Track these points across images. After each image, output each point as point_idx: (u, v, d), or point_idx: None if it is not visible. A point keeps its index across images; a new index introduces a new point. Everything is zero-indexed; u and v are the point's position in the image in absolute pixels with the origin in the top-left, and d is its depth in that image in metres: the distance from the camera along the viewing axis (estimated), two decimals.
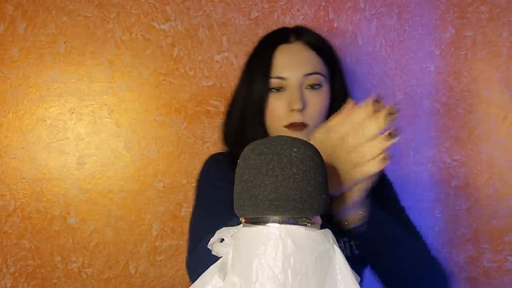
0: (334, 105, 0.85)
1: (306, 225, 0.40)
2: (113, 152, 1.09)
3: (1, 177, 1.05)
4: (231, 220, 0.65)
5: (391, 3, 1.16)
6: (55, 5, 1.07)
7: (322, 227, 0.43)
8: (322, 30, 1.14)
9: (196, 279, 0.67)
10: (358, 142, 0.54)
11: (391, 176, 1.19)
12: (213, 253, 0.47)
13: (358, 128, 0.54)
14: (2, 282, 1.05)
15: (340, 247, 0.78)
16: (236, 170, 0.43)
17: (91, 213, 1.07)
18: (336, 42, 1.15)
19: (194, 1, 1.10)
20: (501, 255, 1.18)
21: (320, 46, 0.86)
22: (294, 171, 0.40)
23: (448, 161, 1.17)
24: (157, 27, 1.09)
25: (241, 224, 0.43)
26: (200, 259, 0.68)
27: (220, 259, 0.44)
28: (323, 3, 1.14)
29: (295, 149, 0.41)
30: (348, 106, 0.57)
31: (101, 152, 1.08)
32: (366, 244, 0.66)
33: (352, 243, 0.79)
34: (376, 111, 0.54)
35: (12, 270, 1.05)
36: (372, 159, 0.54)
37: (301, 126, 0.81)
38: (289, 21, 1.13)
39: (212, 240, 0.47)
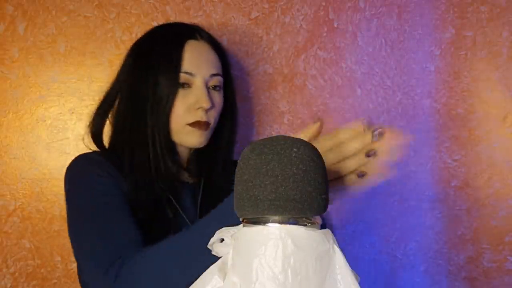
0: (226, 107, 0.87)
1: (306, 225, 0.40)
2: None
3: (1, 177, 1.05)
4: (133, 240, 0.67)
5: (391, 3, 1.16)
6: (55, 5, 1.07)
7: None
8: (322, 30, 1.14)
9: None
10: (337, 157, 0.57)
11: (391, 176, 1.19)
12: (213, 253, 0.47)
13: (340, 145, 0.57)
14: (2, 282, 1.05)
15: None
16: (236, 170, 0.44)
17: None
18: (336, 42, 1.15)
19: (194, 1, 1.10)
20: (501, 255, 1.18)
21: (220, 49, 0.88)
22: (294, 171, 0.40)
23: (448, 161, 1.17)
24: None
25: (241, 224, 0.43)
26: (134, 281, 0.62)
27: (220, 259, 0.44)
28: (323, 3, 1.14)
29: (295, 149, 0.41)
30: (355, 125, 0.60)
31: None
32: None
33: None
34: (364, 131, 0.57)
35: (12, 270, 1.05)
36: (347, 175, 0.57)
37: (206, 125, 0.82)
38: (289, 21, 1.13)
39: (212, 240, 0.47)
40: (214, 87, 0.84)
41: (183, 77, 0.80)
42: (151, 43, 0.85)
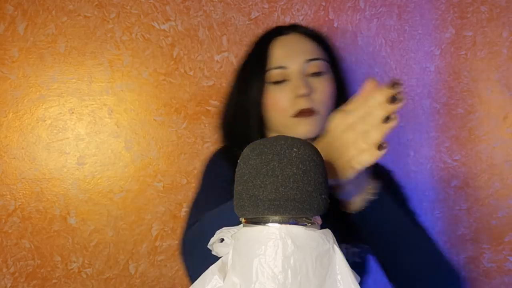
0: (339, 94, 0.83)
1: (306, 225, 0.40)
2: (113, 152, 1.09)
3: (1, 177, 1.05)
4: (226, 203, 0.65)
5: (391, 3, 1.16)
6: (55, 5, 1.07)
7: (328, 222, 0.44)
8: (322, 30, 1.14)
9: (187, 257, 0.69)
10: (364, 128, 0.55)
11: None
12: (213, 253, 0.47)
13: (368, 114, 0.55)
14: (2, 282, 1.05)
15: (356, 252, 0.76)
16: (236, 170, 0.43)
17: (91, 213, 1.07)
18: (336, 42, 1.15)
19: (194, 1, 1.10)
20: (501, 255, 1.18)
21: (316, 35, 0.85)
22: (294, 171, 0.40)
23: (448, 161, 1.17)
24: (157, 27, 1.09)
25: (241, 224, 0.43)
26: (194, 238, 0.68)
27: (220, 259, 0.44)
28: (323, 3, 1.14)
29: (295, 149, 0.41)
30: (368, 87, 0.58)
31: (101, 152, 1.08)
32: (372, 229, 0.65)
33: (353, 249, 0.77)
34: (391, 95, 0.55)
35: (12, 270, 1.05)
36: (372, 146, 0.55)
37: (310, 112, 0.77)
38: (289, 21, 1.13)
39: (212, 240, 0.47)
40: (315, 73, 0.79)
41: (275, 73, 0.78)
42: (247, 52, 0.87)
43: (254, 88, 0.80)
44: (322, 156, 0.50)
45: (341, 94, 0.85)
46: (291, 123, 0.78)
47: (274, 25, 1.12)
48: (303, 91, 0.76)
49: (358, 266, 0.77)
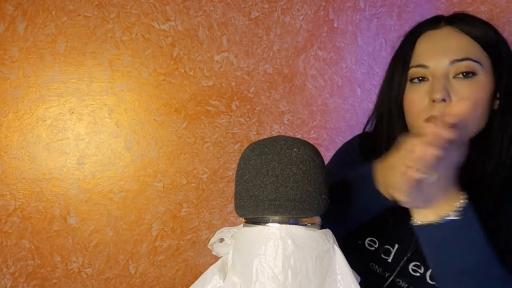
0: (502, 99, 0.72)
1: (306, 225, 0.40)
2: (113, 152, 1.09)
3: (1, 177, 1.05)
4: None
5: (391, 3, 1.16)
6: (55, 5, 1.06)
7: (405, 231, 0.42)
8: (322, 30, 1.14)
9: None
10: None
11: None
12: (213, 253, 0.47)
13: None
14: (2, 282, 1.05)
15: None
16: (236, 170, 0.43)
17: (91, 213, 1.07)
18: (336, 42, 1.15)
19: (194, 1, 1.10)
20: None
21: (477, 29, 0.74)
22: (294, 171, 0.40)
23: None
24: (157, 27, 1.09)
25: (241, 224, 0.43)
26: None
27: (220, 259, 0.44)
28: (323, 3, 1.14)
29: (295, 149, 0.41)
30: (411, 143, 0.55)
31: (101, 152, 1.08)
32: (432, 246, 0.60)
33: (406, 284, 0.72)
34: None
35: (12, 270, 1.05)
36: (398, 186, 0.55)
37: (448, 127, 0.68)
38: (289, 21, 1.13)
39: (212, 240, 0.47)
40: (463, 74, 0.70)
41: (415, 71, 0.72)
42: (399, 44, 0.82)
43: (395, 84, 0.76)
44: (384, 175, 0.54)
45: (505, 98, 0.73)
46: (423, 127, 0.68)
47: (274, 25, 1.12)
48: (437, 95, 0.68)
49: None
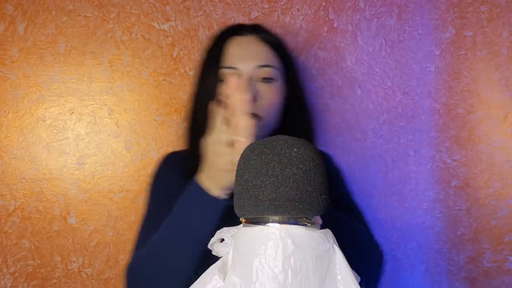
0: (290, 101, 0.85)
1: (306, 225, 0.40)
2: (113, 152, 1.09)
3: (1, 177, 1.05)
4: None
5: (391, 3, 1.16)
6: (55, 5, 1.06)
7: None
8: (322, 30, 1.14)
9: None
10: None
11: (391, 176, 1.19)
12: (213, 253, 0.47)
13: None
14: (2, 282, 1.05)
15: None
16: (236, 170, 0.44)
17: (91, 213, 1.07)
18: (336, 42, 1.15)
19: (194, 1, 1.10)
20: (501, 255, 1.18)
21: (274, 41, 0.85)
22: (294, 171, 0.40)
23: (448, 161, 1.17)
24: (157, 27, 1.09)
25: (241, 224, 0.43)
26: (134, 269, 0.72)
27: (220, 259, 0.44)
28: (323, 3, 1.14)
29: (295, 149, 0.41)
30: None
31: (101, 152, 1.08)
32: None
33: None
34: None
35: (12, 270, 1.05)
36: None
37: (252, 116, 0.79)
38: (289, 21, 1.13)
39: (212, 240, 0.47)
40: (264, 80, 0.80)
41: (227, 72, 0.79)
42: (206, 47, 0.87)
43: (208, 84, 0.81)
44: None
45: (295, 101, 0.87)
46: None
47: (274, 25, 1.12)
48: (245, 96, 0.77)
49: None
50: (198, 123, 0.84)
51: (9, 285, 1.05)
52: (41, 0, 1.06)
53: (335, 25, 1.15)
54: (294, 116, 0.87)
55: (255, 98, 0.79)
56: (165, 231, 0.69)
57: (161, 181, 0.84)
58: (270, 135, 0.81)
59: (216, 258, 0.46)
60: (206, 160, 0.68)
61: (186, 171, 0.79)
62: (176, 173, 0.81)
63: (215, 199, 0.67)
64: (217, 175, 0.66)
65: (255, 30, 0.85)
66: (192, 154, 0.81)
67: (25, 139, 1.06)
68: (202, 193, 0.67)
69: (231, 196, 0.64)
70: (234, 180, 0.59)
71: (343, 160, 1.14)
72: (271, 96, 0.81)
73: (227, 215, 0.66)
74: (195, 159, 0.78)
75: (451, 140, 1.17)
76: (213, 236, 0.47)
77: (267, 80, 0.81)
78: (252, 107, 0.76)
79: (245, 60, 0.80)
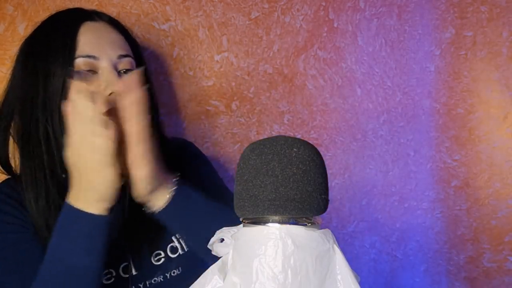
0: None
1: (306, 225, 0.40)
2: None
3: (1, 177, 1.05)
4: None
5: (391, 3, 1.16)
6: (55, 5, 1.06)
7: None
8: (322, 30, 1.14)
9: None
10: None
11: (391, 176, 1.19)
12: (213, 253, 0.47)
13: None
14: None
15: (174, 246, 0.77)
16: (236, 170, 0.43)
17: None
18: (336, 42, 1.15)
19: (194, 1, 1.10)
20: (501, 255, 1.18)
21: (125, 30, 0.77)
22: (294, 171, 0.40)
23: (448, 161, 1.17)
24: (157, 27, 1.09)
25: (241, 224, 0.43)
26: None
27: (220, 259, 0.45)
28: (323, 3, 1.14)
29: (295, 149, 0.41)
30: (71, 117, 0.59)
31: None
32: (176, 220, 0.67)
33: (160, 278, 0.75)
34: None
35: None
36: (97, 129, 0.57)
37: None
38: (289, 21, 1.13)
39: (212, 240, 0.47)
40: (126, 71, 0.71)
41: (84, 62, 0.67)
42: (40, 36, 0.72)
43: (57, 78, 0.66)
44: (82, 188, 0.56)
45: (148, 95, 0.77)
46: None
47: (274, 25, 1.12)
48: (119, 88, 0.65)
49: (190, 254, 0.77)
50: (26, 129, 0.68)
51: None
52: (41, 0, 1.06)
53: (335, 25, 1.15)
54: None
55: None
56: (47, 273, 0.59)
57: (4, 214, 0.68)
58: None
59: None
60: (73, 172, 0.59)
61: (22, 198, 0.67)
62: (10, 205, 0.68)
63: (96, 217, 0.58)
64: (90, 182, 0.57)
65: (101, 15, 0.75)
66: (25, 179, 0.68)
67: None
68: (78, 215, 0.58)
69: (111, 210, 0.60)
70: (111, 186, 0.58)
71: (343, 160, 1.14)
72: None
73: (113, 234, 0.62)
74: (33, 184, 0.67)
75: (451, 140, 1.17)
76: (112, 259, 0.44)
77: (128, 71, 0.71)
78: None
79: (105, 48, 0.69)
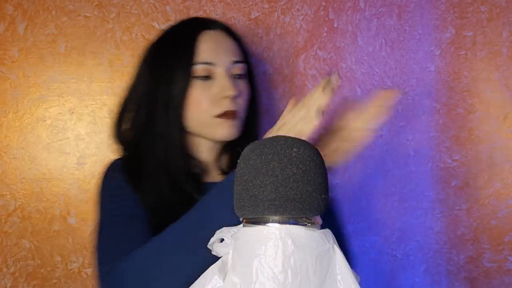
0: (251, 99, 0.83)
1: (306, 225, 0.40)
2: (113, 152, 1.09)
3: (1, 177, 1.05)
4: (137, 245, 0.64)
5: (391, 3, 1.16)
6: (55, 5, 1.06)
7: None
8: (322, 30, 1.14)
9: None
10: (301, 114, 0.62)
11: (391, 176, 1.19)
12: (213, 253, 0.47)
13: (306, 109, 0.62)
14: (2, 282, 1.05)
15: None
16: (236, 170, 0.43)
17: (91, 213, 1.07)
18: (336, 42, 1.15)
19: (194, 1, 1.10)
20: (501, 255, 1.18)
21: (238, 37, 0.83)
22: (294, 171, 0.40)
23: (448, 161, 1.17)
24: (157, 27, 1.09)
25: (241, 224, 0.43)
26: (122, 281, 0.64)
27: (220, 259, 0.45)
28: (323, 3, 1.14)
29: (295, 149, 0.41)
30: (292, 101, 0.64)
31: (101, 152, 1.08)
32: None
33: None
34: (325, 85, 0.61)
35: (12, 270, 1.05)
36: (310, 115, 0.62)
37: (234, 114, 0.77)
38: (289, 21, 1.13)
39: (212, 240, 0.47)
40: (238, 76, 0.79)
41: (202, 68, 0.75)
42: (164, 42, 0.82)
43: (177, 81, 0.75)
44: None
45: (253, 102, 0.85)
46: (213, 123, 0.77)
47: (274, 25, 1.12)
48: (231, 92, 0.75)
49: None
50: (147, 126, 0.79)
51: (9, 285, 1.05)
52: (41, 0, 1.06)
53: (335, 25, 1.15)
54: (251, 115, 0.85)
55: (237, 95, 0.77)
56: (182, 227, 0.63)
57: (115, 186, 0.77)
58: (240, 136, 0.80)
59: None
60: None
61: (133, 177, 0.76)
62: (125, 179, 0.77)
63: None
64: None
65: (218, 24, 0.82)
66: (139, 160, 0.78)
67: (25, 139, 1.06)
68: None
69: None
70: None
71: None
72: (245, 93, 0.80)
73: None
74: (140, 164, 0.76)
75: (451, 140, 1.17)
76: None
77: (239, 76, 0.79)
78: (233, 104, 0.76)
79: (221, 54, 0.77)
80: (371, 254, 1.17)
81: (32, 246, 1.06)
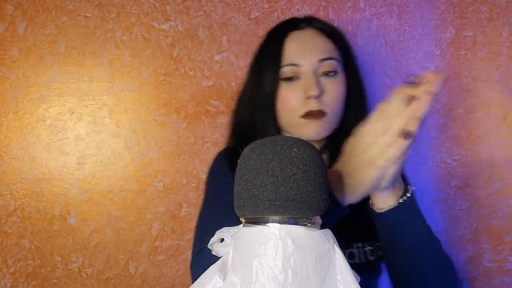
0: (350, 94, 0.81)
1: (306, 225, 0.40)
2: (113, 152, 1.09)
3: (1, 177, 1.05)
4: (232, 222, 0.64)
5: (391, 3, 1.16)
6: (55, 5, 1.06)
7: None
8: None
9: None
10: (385, 140, 0.54)
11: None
12: (213, 253, 0.47)
13: (387, 127, 0.54)
14: (2, 282, 1.05)
15: (353, 253, 0.76)
16: (236, 170, 0.43)
17: (91, 213, 1.07)
18: None
19: (194, 1, 1.10)
20: (501, 255, 1.18)
21: (332, 31, 0.82)
22: (294, 171, 0.40)
23: (448, 161, 1.17)
24: (157, 27, 1.09)
25: (241, 224, 0.43)
26: (204, 263, 0.64)
27: (220, 259, 0.44)
28: (323, 3, 1.14)
29: (295, 149, 0.41)
30: (378, 109, 0.57)
31: (101, 152, 1.08)
32: (392, 230, 0.64)
33: (366, 248, 0.76)
34: (409, 99, 0.55)
35: (12, 270, 1.05)
36: (395, 135, 0.54)
37: (319, 114, 0.76)
38: None
39: (212, 240, 0.47)
40: (327, 73, 0.77)
41: (287, 70, 0.77)
42: (261, 45, 0.85)
43: (267, 83, 0.78)
44: (343, 174, 0.52)
45: (355, 95, 0.83)
46: (299, 123, 0.77)
47: (274, 25, 1.12)
48: (314, 92, 0.75)
49: (371, 264, 0.76)
50: (250, 124, 0.83)
51: (9, 285, 1.05)
52: (41, 0, 1.06)
53: (335, 25, 1.15)
54: (354, 111, 0.82)
55: (320, 94, 0.76)
56: None
57: (222, 173, 0.79)
58: (334, 132, 0.79)
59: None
60: (344, 155, 0.58)
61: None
62: (228, 167, 0.78)
63: (338, 204, 0.56)
64: (359, 171, 0.55)
65: (311, 22, 0.82)
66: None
67: (25, 139, 1.06)
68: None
69: (351, 206, 0.57)
70: (369, 185, 0.54)
71: None
72: (335, 90, 0.78)
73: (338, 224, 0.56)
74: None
75: (451, 140, 1.17)
76: None
77: (329, 73, 0.77)
78: (318, 103, 0.75)
79: (306, 55, 0.77)
80: None
81: (32, 246, 1.06)
